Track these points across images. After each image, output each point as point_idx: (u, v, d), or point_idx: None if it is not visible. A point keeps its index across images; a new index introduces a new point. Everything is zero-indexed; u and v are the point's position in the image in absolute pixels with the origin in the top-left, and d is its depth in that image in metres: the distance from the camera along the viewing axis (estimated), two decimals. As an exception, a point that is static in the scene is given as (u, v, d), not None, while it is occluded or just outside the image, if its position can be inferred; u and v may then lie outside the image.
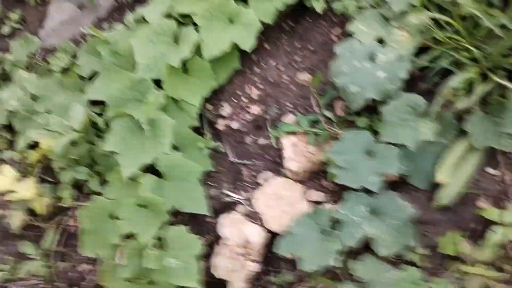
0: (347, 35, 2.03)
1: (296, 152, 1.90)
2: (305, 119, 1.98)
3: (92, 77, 2.28)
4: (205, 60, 2.07)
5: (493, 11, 1.75)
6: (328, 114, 1.97)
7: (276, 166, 1.99)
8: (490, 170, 1.75)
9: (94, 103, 2.20)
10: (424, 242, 1.73)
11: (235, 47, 2.10)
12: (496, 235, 1.56)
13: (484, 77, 1.77)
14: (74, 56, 2.47)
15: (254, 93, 2.13)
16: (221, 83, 2.15)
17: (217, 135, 2.13)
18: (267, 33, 2.21)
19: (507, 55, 1.74)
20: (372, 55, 1.85)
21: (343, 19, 2.11)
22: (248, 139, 2.07)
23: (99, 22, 2.70)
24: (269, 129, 2.05)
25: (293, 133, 1.96)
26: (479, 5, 1.75)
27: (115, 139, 1.93)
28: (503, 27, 1.73)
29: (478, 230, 1.70)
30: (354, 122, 1.93)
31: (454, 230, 1.69)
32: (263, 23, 2.10)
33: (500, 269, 1.61)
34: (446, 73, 1.85)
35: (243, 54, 2.18)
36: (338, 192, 1.88)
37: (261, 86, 2.13)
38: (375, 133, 1.89)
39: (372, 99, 1.80)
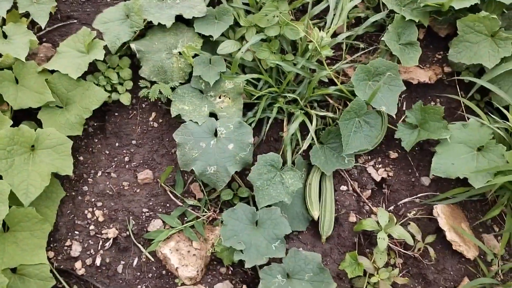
0: (167, 117, 1.95)
1: (183, 257, 1.74)
2: (172, 218, 1.83)
3: None
4: (26, 205, 1.67)
5: (289, 56, 1.97)
6: (191, 201, 1.87)
7: (166, 279, 1.78)
8: (343, 187, 1.98)
9: None
10: (331, 274, 1.84)
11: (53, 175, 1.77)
12: (383, 240, 1.79)
13: (307, 114, 1.98)
14: None
15: (98, 214, 1.84)
16: (54, 221, 1.78)
17: (81, 281, 1.77)
18: (74, 144, 1.93)
19: (317, 88, 1.99)
20: (213, 131, 1.83)
21: (155, 102, 2.01)
22: (120, 268, 1.78)
23: None
24: (138, 245, 1.81)
25: (167, 238, 1.79)
26: (276, 56, 1.94)
27: None
28: (302, 67, 1.96)
29: (362, 242, 1.92)
30: (219, 198, 1.89)
31: (346, 252, 1.86)
32: (70, 137, 1.83)
33: (394, 264, 1.87)
34: (272, 120, 2.00)
35: (60, 178, 1.85)
36: (241, 272, 1.82)
37: (102, 204, 1.86)
38: (242, 199, 1.90)
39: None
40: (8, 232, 1.66)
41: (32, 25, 2.08)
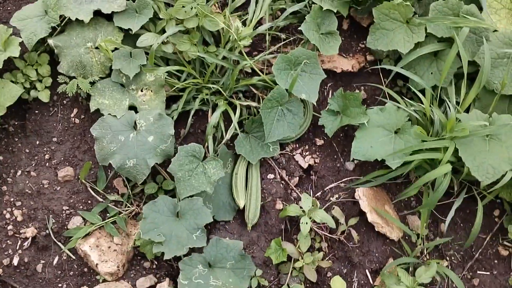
0: (90, 112, 1.92)
1: (103, 252, 1.71)
2: (92, 214, 1.80)
3: None
4: None
5: (211, 48, 1.97)
6: (113, 197, 1.85)
7: (88, 276, 1.75)
8: (270, 176, 2.00)
9: None
10: (256, 261, 1.85)
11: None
12: (305, 225, 1.81)
13: (231, 104, 1.99)
14: None
15: (17, 214, 1.79)
16: (-32, 223, 1.72)
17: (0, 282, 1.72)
18: (-6, 143, 1.88)
19: (238, 79, 2.00)
20: (132, 124, 1.81)
21: (76, 98, 1.98)
22: (40, 267, 1.74)
23: None
24: (57, 243, 1.77)
25: (87, 234, 1.76)
26: (198, 47, 1.94)
27: None
28: (224, 58, 1.97)
29: (288, 228, 1.94)
30: (143, 192, 1.87)
31: (273, 239, 1.87)
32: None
33: (319, 248, 1.89)
34: (199, 113, 2.00)
35: (-24, 178, 1.80)
36: (166, 266, 1.81)
37: (21, 203, 1.81)
38: (167, 192, 1.89)
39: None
40: None
41: None
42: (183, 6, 1.88)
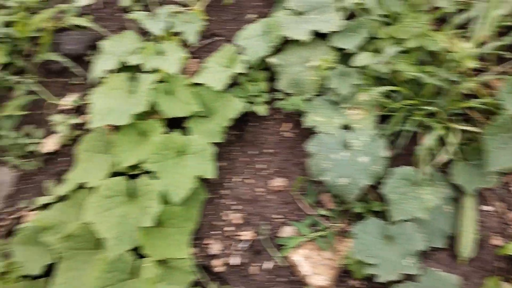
0: (301, 128, 2.02)
1: (314, 265, 1.79)
2: (304, 226, 1.88)
3: (43, 274, 1.88)
4: (175, 204, 1.86)
5: (428, 67, 1.90)
6: (322, 211, 1.91)
7: (296, 285, 1.84)
8: (485, 208, 1.85)
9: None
10: (467, 299, 1.73)
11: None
12: (531, 268, 1.63)
13: (445, 128, 1.89)
14: (6, 255, 2.01)
15: (235, 217, 1.97)
16: (197, 221, 1.95)
17: (219, 279, 1.91)
18: (217, 150, 2.10)
19: (458, 100, 1.89)
20: (345, 143, 1.85)
21: (289, 114, 2.10)
22: (252, 269, 1.88)
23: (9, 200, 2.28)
24: (269, 249, 1.90)
25: (297, 245, 1.85)
26: (415, 67, 1.89)
27: None
28: (442, 79, 1.88)
29: (504, 267, 1.77)
30: (348, 209, 1.90)
31: (485, 276, 1.73)
32: (213, 143, 1.99)
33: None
34: (408, 135, 1.95)
35: (202, 181, 2.02)
36: (369, 287, 1.81)
37: (239, 208, 1.99)
38: (372, 213, 1.88)
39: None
40: (159, 228, 1.86)
41: (184, 42, 2.32)
42: (405, 26, 1.85)
